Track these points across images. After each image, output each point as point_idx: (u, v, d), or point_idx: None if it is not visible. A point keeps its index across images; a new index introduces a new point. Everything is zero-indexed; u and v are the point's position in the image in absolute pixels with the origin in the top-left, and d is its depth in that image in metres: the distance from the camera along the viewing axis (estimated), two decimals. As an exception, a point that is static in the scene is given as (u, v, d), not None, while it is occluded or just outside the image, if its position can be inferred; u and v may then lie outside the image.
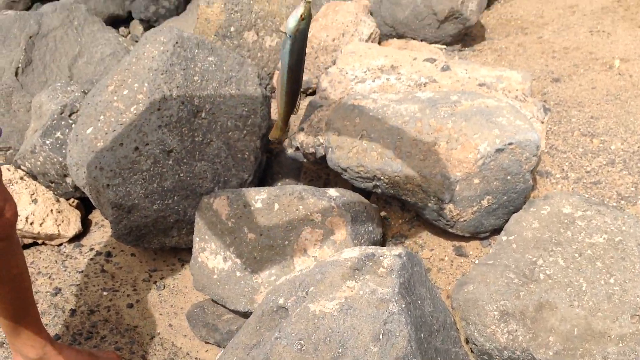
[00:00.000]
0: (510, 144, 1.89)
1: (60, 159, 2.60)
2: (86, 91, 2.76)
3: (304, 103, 3.14)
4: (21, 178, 2.67)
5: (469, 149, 1.92)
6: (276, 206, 2.04)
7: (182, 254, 2.59)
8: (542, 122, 2.25)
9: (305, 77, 3.16)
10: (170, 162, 2.27)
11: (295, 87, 1.21)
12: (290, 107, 1.22)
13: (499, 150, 1.90)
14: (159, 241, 2.41)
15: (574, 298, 1.67)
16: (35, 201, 2.63)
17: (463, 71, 2.43)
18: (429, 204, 2.02)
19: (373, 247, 1.56)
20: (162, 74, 2.30)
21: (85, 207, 2.89)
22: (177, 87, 2.31)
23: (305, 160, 2.55)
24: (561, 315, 1.64)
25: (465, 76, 2.40)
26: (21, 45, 2.93)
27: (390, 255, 1.50)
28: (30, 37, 2.96)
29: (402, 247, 1.56)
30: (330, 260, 1.54)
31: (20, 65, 2.89)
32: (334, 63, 2.98)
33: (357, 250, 1.54)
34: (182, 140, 2.29)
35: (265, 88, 2.55)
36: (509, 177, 1.94)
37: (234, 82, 2.45)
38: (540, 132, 2.20)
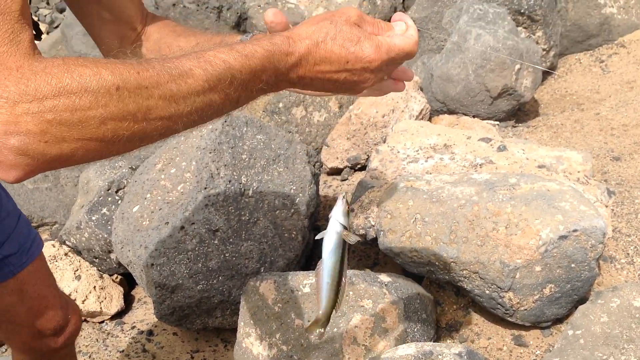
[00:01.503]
0: (574, 230, 1.79)
1: (106, 235, 2.57)
2: (134, 167, 2.74)
3: (352, 178, 3.08)
4: (66, 254, 2.65)
5: (530, 235, 1.82)
6: (325, 291, 1.95)
7: (225, 334, 2.50)
8: (607, 206, 2.13)
9: (354, 153, 3.11)
10: (215, 242, 2.21)
11: (341, 281, 1.18)
12: (335, 302, 1.18)
13: (562, 237, 1.79)
14: (202, 321, 2.34)
15: (650, 402, 1.53)
16: (78, 277, 2.59)
17: (520, 151, 2.34)
18: (487, 292, 1.91)
19: (430, 343, 1.46)
20: (210, 153, 2.27)
21: (128, 282, 2.85)
22: (225, 165, 2.27)
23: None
24: (637, 422, 1.50)
25: (523, 157, 2.31)
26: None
27: (450, 353, 1.40)
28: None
29: (462, 345, 1.45)
30: (384, 357, 1.44)
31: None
32: (384, 141, 2.93)
33: (414, 347, 1.44)
34: (228, 219, 2.23)
35: (314, 166, 2.50)
36: (573, 265, 1.83)
37: (282, 160, 2.40)
38: (605, 218, 2.08)
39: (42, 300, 1.64)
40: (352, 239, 1.17)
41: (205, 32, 1.33)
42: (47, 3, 8.75)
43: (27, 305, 1.62)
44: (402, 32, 1.04)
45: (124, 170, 2.73)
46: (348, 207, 1.16)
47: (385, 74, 1.06)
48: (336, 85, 1.02)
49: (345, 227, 1.16)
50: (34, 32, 1.17)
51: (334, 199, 2.91)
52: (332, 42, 0.98)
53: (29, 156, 0.75)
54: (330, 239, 1.15)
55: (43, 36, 6.50)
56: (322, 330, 1.20)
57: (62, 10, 7.85)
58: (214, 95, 0.87)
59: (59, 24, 5.67)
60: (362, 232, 2.19)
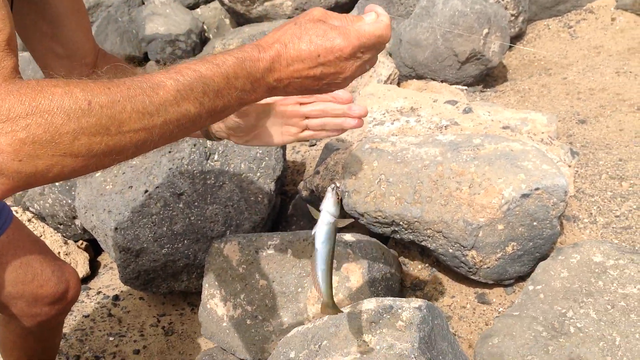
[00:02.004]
0: (536, 189, 1.79)
1: (70, 201, 2.54)
2: (98, 131, 2.71)
3: (321, 144, 3.07)
4: (29, 220, 2.61)
5: (492, 194, 1.82)
6: (289, 252, 1.94)
7: (191, 298, 2.50)
8: (570, 166, 2.14)
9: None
10: (180, 205, 2.19)
11: (332, 266, 1.25)
12: (332, 284, 1.25)
13: (524, 196, 1.80)
14: (168, 285, 2.33)
15: (607, 353, 1.55)
16: (42, 243, 2.56)
17: (486, 113, 2.34)
18: (450, 250, 1.92)
19: (391, 298, 1.46)
20: (173, 114, 2.24)
21: (94, 249, 2.82)
22: (189, 127, 2.24)
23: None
24: (594, 374, 1.52)
25: (488, 119, 2.31)
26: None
27: (409, 307, 1.40)
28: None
29: (422, 300, 1.46)
30: (345, 312, 1.44)
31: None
32: (351, 104, 2.91)
33: (374, 302, 1.44)
34: (193, 183, 2.21)
35: (281, 129, 2.48)
36: (535, 223, 1.84)
37: (248, 123, 2.38)
38: (568, 177, 2.10)
39: (28, 268, 1.62)
40: (345, 222, 1.25)
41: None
42: None
43: (11, 276, 1.59)
44: (372, 20, 1.04)
45: (87, 135, 2.69)
46: (338, 198, 1.21)
47: (365, 62, 1.05)
48: (316, 82, 1.03)
49: (335, 218, 1.22)
50: None
51: (302, 164, 2.90)
52: (299, 41, 0.99)
53: (4, 175, 0.77)
54: (321, 230, 1.21)
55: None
56: (335, 311, 1.27)
57: None
58: (188, 104, 0.88)
59: None
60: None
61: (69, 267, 1.76)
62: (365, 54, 1.04)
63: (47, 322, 1.71)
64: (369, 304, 1.44)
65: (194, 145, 2.23)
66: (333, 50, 1.00)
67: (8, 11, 0.85)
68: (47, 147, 0.77)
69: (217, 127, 1.33)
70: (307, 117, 1.33)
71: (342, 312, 1.31)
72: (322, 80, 1.03)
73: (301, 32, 1.00)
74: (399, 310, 1.40)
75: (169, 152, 2.21)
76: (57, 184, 2.54)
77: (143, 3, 4.90)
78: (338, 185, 1.22)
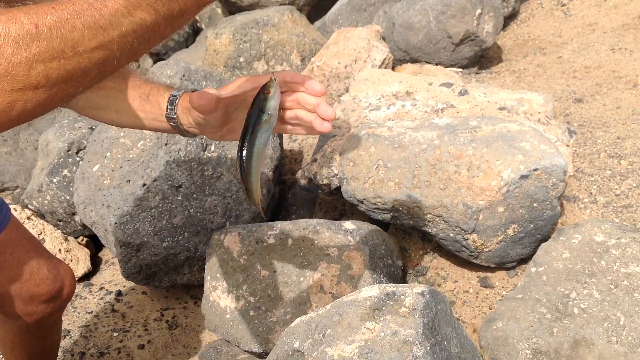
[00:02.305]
0: (535, 169, 1.79)
1: (68, 197, 2.53)
2: (93, 127, 2.69)
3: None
4: (28, 217, 2.60)
5: (491, 176, 1.82)
6: (290, 241, 1.94)
7: (194, 291, 2.50)
8: (568, 146, 2.14)
9: (318, 105, 3.07)
10: (179, 198, 2.19)
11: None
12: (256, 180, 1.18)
13: (523, 177, 1.79)
14: (170, 279, 2.33)
15: (612, 333, 1.55)
16: (43, 241, 2.56)
17: (482, 95, 2.33)
18: (451, 235, 1.92)
19: (394, 285, 1.46)
20: (169, 107, 2.23)
21: (95, 244, 2.82)
22: (185, 119, 2.23)
23: (319, 191, 2.46)
24: (599, 353, 1.52)
25: (484, 100, 2.30)
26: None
27: (412, 293, 1.40)
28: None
29: (424, 285, 1.46)
30: (347, 300, 1.44)
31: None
32: (346, 91, 2.90)
33: (377, 289, 1.44)
34: (191, 174, 2.20)
35: (277, 118, 2.47)
36: (535, 205, 1.83)
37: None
38: (566, 156, 2.09)
39: (24, 266, 1.61)
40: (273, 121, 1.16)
41: (131, 75, 1.32)
42: None
43: (8, 275, 1.59)
44: None
45: (83, 130, 2.68)
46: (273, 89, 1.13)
47: None
48: None
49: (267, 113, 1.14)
50: None
51: (300, 153, 2.89)
52: None
53: None
54: (258, 119, 1.14)
55: None
56: (259, 206, 1.21)
57: None
58: (141, 13, 0.82)
59: None
60: (325, 181, 2.18)
61: (64, 265, 1.76)
62: None
63: (43, 320, 1.71)
64: (372, 291, 1.44)
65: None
66: None
67: None
68: (3, 82, 0.71)
69: (187, 123, 1.28)
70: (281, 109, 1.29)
71: (260, 209, 1.26)
72: None
73: None
74: (402, 297, 1.40)
75: (166, 144, 2.20)
76: (54, 180, 2.53)
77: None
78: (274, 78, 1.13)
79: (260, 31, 3.25)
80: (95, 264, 2.77)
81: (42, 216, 2.65)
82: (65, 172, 2.57)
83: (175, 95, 1.25)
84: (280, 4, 4.13)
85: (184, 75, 2.31)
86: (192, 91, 1.27)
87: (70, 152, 2.61)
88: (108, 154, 2.26)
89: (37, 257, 1.65)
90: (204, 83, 2.34)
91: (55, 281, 1.69)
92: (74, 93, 0.80)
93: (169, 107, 1.25)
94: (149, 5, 0.82)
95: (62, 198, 2.53)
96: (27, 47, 0.72)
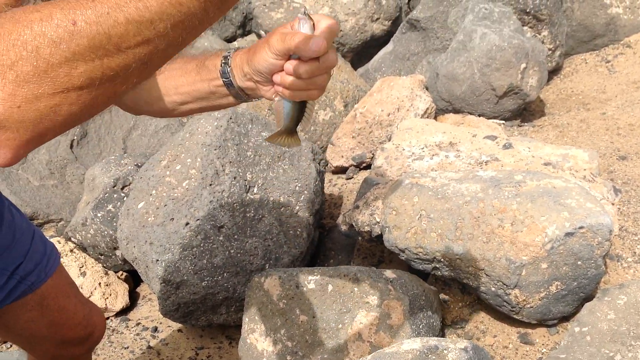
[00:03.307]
0: (581, 227, 1.78)
1: (111, 232, 2.57)
2: (139, 165, 2.75)
3: (358, 177, 3.08)
4: (71, 250, 2.65)
5: (535, 231, 1.81)
6: (330, 287, 1.94)
7: (230, 331, 2.50)
8: (613, 204, 2.12)
9: (359, 151, 3.10)
10: (220, 238, 2.21)
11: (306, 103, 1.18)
12: (298, 119, 1.18)
13: (569, 234, 1.78)
14: (207, 318, 2.34)
15: (656, 399, 1.52)
16: (84, 274, 2.59)
17: (526, 149, 2.33)
18: (493, 289, 1.91)
19: (436, 338, 1.45)
20: (215, 150, 2.27)
21: (133, 279, 2.85)
22: (230, 162, 2.27)
23: (359, 237, 2.46)
24: (643, 419, 1.49)
25: (528, 154, 2.30)
26: (78, 118, 2.94)
27: (455, 348, 1.39)
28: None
29: (467, 340, 1.45)
30: (389, 352, 1.43)
31: (75, 137, 2.90)
32: (389, 139, 2.92)
33: (419, 342, 1.43)
34: (233, 215, 2.23)
35: (319, 163, 2.50)
36: (579, 263, 1.82)
37: (287, 158, 2.40)
38: (612, 215, 2.07)
39: (63, 312, 1.63)
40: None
41: (187, 51, 1.30)
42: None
43: (48, 319, 1.60)
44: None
45: (129, 167, 2.73)
46: (312, 22, 1.10)
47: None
48: None
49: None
50: None
51: (339, 197, 2.91)
52: None
53: (7, 128, 0.67)
54: None
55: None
56: (292, 139, 1.20)
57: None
58: (190, 1, 0.73)
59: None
60: (367, 228, 2.19)
61: (97, 309, 1.77)
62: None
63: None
64: (414, 344, 1.44)
65: (234, 178, 2.25)
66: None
67: None
68: (44, 84, 0.66)
69: (240, 76, 1.21)
70: None
71: (299, 143, 1.23)
72: None
73: None
74: (445, 351, 1.39)
75: (210, 184, 2.23)
76: (98, 215, 2.58)
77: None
78: (305, 11, 1.10)
79: (305, 76, 3.30)
80: (133, 298, 2.79)
81: (84, 249, 2.69)
82: (110, 207, 2.62)
83: (229, 51, 1.22)
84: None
85: (230, 118, 2.35)
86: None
87: (115, 188, 2.66)
88: (153, 191, 2.30)
89: (75, 302, 1.66)
90: (250, 126, 2.38)
91: (88, 326, 1.70)
92: (120, 92, 0.75)
93: (222, 62, 1.21)
94: None
95: (105, 232, 2.58)
96: (67, 47, 0.67)
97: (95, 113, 0.75)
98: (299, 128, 1.21)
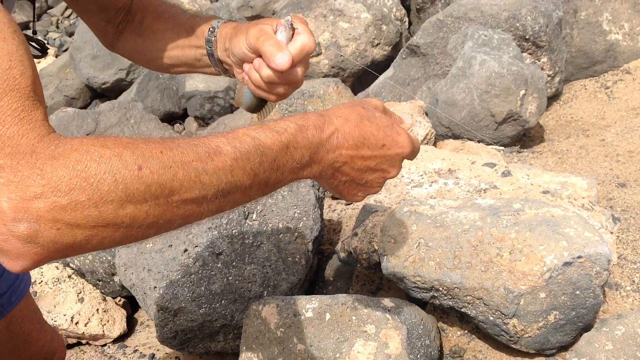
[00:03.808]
0: (579, 257, 1.77)
1: (109, 258, 2.57)
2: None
3: (358, 203, 3.07)
4: (69, 276, 2.64)
5: (534, 261, 1.81)
6: (328, 316, 1.94)
7: (227, 358, 2.49)
8: (612, 233, 2.12)
9: (358, 177, 3.10)
10: (219, 265, 2.21)
11: None
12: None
13: (567, 264, 1.77)
14: (205, 345, 2.33)
15: None
16: (81, 300, 2.59)
17: (525, 177, 2.34)
18: (491, 318, 1.90)
19: (433, 370, 1.44)
20: (214, 175, 2.27)
21: (131, 305, 2.84)
22: (230, 188, 2.27)
23: (357, 264, 2.46)
24: None
25: (527, 182, 2.30)
26: (78, 142, 2.94)
27: (452, 380, 1.38)
28: (88, 134, 2.99)
29: (464, 372, 1.44)
30: None
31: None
32: (388, 164, 2.92)
33: (416, 373, 1.43)
34: (231, 242, 2.23)
35: (318, 190, 2.50)
36: (577, 292, 1.81)
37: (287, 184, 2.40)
38: (610, 244, 2.07)
39: (27, 337, 1.62)
40: None
41: (183, 13, 1.31)
42: (57, 27, 8.83)
43: (12, 344, 1.59)
44: (408, 126, 1.03)
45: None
46: (292, 32, 1.10)
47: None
48: (364, 175, 0.97)
49: None
50: (39, 50, 1.18)
51: (338, 223, 2.90)
52: (370, 124, 0.94)
53: (39, 244, 0.68)
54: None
55: (51, 58, 6.56)
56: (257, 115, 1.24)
57: (71, 34, 7.92)
58: (242, 175, 0.80)
59: (68, 47, 5.73)
60: (365, 256, 2.18)
61: (57, 335, 1.78)
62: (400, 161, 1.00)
63: None
64: (411, 375, 1.43)
65: (234, 205, 2.26)
66: (398, 145, 0.96)
67: (27, 50, 0.74)
68: (90, 216, 0.68)
69: (222, 49, 1.23)
70: None
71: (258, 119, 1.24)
72: (371, 174, 0.97)
73: (370, 115, 0.94)
74: (442, 383, 1.38)
75: (209, 212, 2.23)
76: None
77: (183, 60, 5.02)
78: (290, 19, 1.11)
79: (306, 102, 3.32)
80: (131, 325, 2.78)
81: (82, 275, 2.69)
82: (109, 232, 2.62)
83: (219, 22, 1.23)
84: (325, 76, 4.22)
85: (230, 144, 2.36)
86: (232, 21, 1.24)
87: (114, 213, 2.66)
88: (152, 218, 2.30)
89: (39, 329, 1.66)
90: (250, 152, 2.39)
91: (49, 353, 1.70)
92: (148, 236, 0.77)
93: (209, 30, 1.22)
94: (252, 170, 0.81)
95: (104, 258, 2.57)
96: (125, 188, 0.70)
97: (111, 247, 0.77)
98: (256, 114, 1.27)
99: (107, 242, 0.72)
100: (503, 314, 1.85)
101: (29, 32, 1.27)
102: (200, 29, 1.25)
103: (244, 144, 0.81)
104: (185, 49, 1.28)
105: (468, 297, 1.90)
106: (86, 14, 1.37)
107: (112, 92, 5.04)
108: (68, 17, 8.97)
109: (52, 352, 1.72)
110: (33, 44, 1.25)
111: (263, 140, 0.83)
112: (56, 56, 6.85)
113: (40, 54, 1.25)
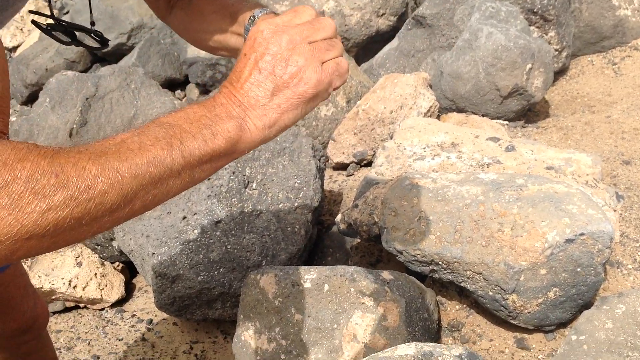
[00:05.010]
0: (581, 234, 1.76)
1: (108, 223, 2.55)
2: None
3: (358, 174, 3.05)
4: (67, 240, 2.63)
5: (535, 237, 1.79)
6: (326, 287, 1.93)
7: (224, 326, 2.49)
8: (615, 210, 2.10)
9: (360, 148, 3.08)
10: (217, 233, 2.19)
11: None
12: None
13: (569, 241, 1.76)
14: (202, 313, 2.32)
15: (652, 411, 1.50)
16: (79, 264, 2.58)
17: (529, 152, 2.31)
18: (490, 293, 1.89)
19: (431, 344, 1.43)
20: (215, 143, 2.25)
21: (130, 270, 2.83)
22: (230, 156, 2.24)
23: (357, 236, 2.44)
24: None
25: (531, 158, 2.27)
26: (77, 107, 2.92)
27: (450, 355, 1.37)
28: (87, 98, 2.96)
29: (462, 347, 1.43)
30: (383, 356, 1.41)
31: (75, 126, 2.88)
32: (391, 137, 2.90)
33: (413, 347, 1.42)
34: (231, 211, 2.21)
35: (319, 160, 2.48)
36: (579, 269, 1.80)
37: (287, 153, 2.38)
38: (613, 222, 2.05)
39: (10, 300, 1.63)
40: None
41: None
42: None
43: None
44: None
45: (128, 158, 2.71)
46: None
47: (318, 51, 0.92)
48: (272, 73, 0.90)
49: None
50: (99, 42, 1.18)
51: (339, 194, 2.89)
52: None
53: None
54: None
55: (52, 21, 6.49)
56: None
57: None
58: (160, 151, 0.78)
59: (69, 10, 5.65)
60: (365, 228, 2.17)
61: (41, 301, 1.77)
62: (309, 31, 0.93)
63: (15, 349, 1.73)
64: (408, 349, 1.42)
65: (233, 172, 2.23)
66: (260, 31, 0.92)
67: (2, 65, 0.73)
68: (11, 232, 0.66)
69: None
70: None
71: None
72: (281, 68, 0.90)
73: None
74: (439, 358, 1.37)
75: (208, 179, 2.21)
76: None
77: (186, 26, 4.96)
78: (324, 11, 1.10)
79: (309, 71, 3.27)
80: (129, 290, 2.78)
81: (81, 239, 2.68)
82: (108, 197, 2.60)
83: (261, 11, 1.20)
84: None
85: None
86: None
87: (114, 179, 2.64)
88: (151, 184, 2.28)
89: (22, 294, 1.67)
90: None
91: (31, 317, 1.71)
92: (81, 238, 0.75)
93: (250, 19, 1.18)
94: (167, 143, 0.79)
95: (102, 223, 2.56)
96: (44, 198, 0.67)
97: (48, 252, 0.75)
98: None
99: (35, 251, 0.70)
100: (503, 289, 1.84)
101: (88, 25, 1.27)
102: (243, 16, 1.21)
103: (150, 129, 0.80)
104: (227, 34, 1.25)
105: (468, 272, 1.89)
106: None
107: (112, 56, 4.98)
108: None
109: (34, 317, 1.72)
110: (92, 35, 1.25)
111: (167, 118, 0.84)
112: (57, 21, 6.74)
113: (99, 45, 1.26)
